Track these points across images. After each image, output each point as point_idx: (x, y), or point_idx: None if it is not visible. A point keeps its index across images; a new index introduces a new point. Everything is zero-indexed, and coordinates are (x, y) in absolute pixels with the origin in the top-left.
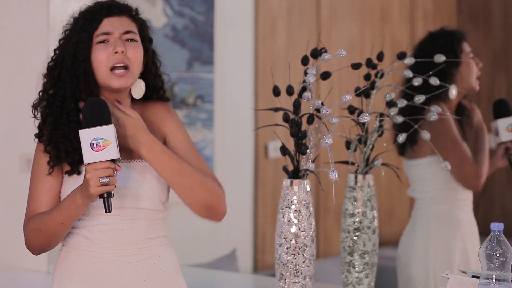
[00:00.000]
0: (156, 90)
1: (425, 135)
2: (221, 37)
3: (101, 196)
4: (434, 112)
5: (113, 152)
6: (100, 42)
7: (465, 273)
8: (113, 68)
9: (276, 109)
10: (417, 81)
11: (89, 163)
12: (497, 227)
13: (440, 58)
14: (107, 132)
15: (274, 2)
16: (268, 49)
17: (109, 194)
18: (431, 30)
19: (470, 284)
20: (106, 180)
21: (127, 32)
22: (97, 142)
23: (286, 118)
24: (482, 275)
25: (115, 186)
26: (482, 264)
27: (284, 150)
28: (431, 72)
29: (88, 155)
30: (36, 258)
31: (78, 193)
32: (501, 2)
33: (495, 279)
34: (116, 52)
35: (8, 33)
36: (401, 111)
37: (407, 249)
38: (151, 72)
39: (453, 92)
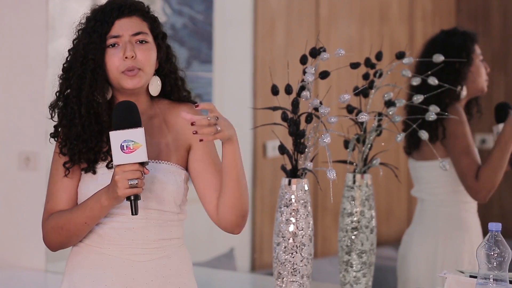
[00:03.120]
0: (173, 87)
1: (423, 135)
2: (220, 36)
3: (128, 198)
4: (432, 112)
5: (142, 155)
6: (111, 45)
7: (463, 272)
8: (124, 71)
9: (274, 108)
10: (416, 81)
11: (118, 165)
12: (495, 227)
13: (439, 58)
14: (137, 134)
15: (273, 2)
16: (267, 48)
17: (136, 197)
18: (443, 29)
19: (467, 284)
20: (134, 182)
21: (137, 33)
22: (127, 144)
23: (284, 117)
24: (480, 275)
25: (143, 188)
26: (479, 264)
27: (282, 149)
28: (429, 72)
29: (118, 157)
30: (33, 256)
31: (104, 194)
32: (500, 3)
33: (493, 279)
34: (126, 58)
35: (7, 32)
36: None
37: (413, 250)
38: (165, 68)
39: (463, 92)
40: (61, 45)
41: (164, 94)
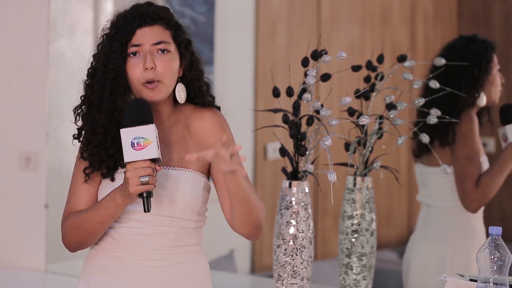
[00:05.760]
0: (198, 93)
1: (424, 138)
2: (222, 37)
3: (140, 195)
4: (434, 116)
5: (153, 151)
6: (132, 53)
7: (463, 276)
8: (144, 83)
9: (275, 110)
10: (417, 84)
11: (129, 162)
12: (495, 231)
13: (440, 61)
14: (148, 131)
15: (274, 3)
16: (268, 50)
17: (149, 194)
18: (462, 34)
19: (467, 287)
20: (145, 179)
21: (158, 43)
22: (137, 141)
23: (285, 120)
24: (480, 278)
25: (155, 186)
26: (480, 268)
27: (283, 151)
28: (430, 76)
29: (128, 154)
30: (33, 256)
31: (118, 192)
32: (502, 6)
33: (493, 283)
34: (146, 69)
35: (8, 31)
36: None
37: (420, 256)
38: (188, 76)
39: (483, 99)
40: (62, 46)
41: (189, 98)
